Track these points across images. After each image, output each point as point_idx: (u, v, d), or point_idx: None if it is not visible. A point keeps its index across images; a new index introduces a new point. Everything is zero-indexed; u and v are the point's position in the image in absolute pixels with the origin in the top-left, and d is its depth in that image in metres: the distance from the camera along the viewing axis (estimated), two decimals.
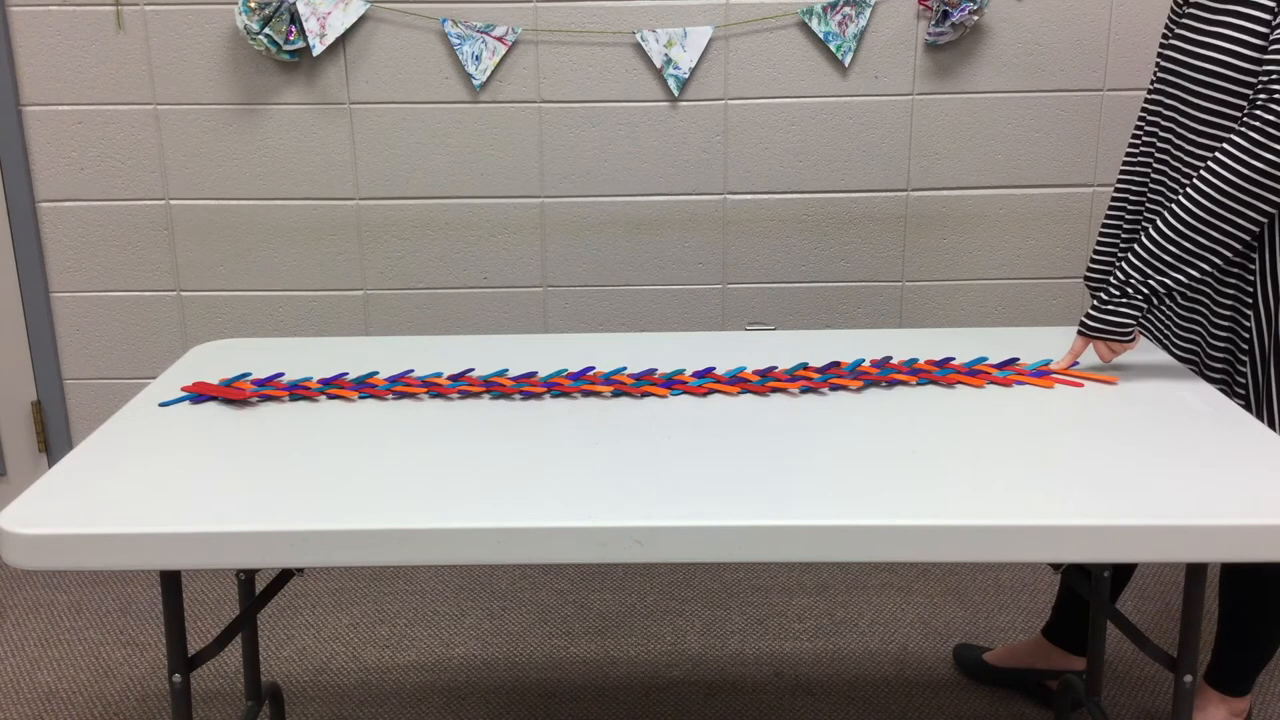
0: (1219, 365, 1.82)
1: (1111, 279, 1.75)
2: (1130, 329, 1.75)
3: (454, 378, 1.79)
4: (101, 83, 2.72)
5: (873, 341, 1.95)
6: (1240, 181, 1.63)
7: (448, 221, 2.81)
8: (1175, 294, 1.72)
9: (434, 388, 1.75)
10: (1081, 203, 2.81)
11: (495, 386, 1.74)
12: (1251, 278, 1.75)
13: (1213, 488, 1.38)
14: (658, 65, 2.68)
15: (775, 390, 1.74)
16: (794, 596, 2.66)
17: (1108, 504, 1.34)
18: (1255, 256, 1.74)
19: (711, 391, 1.74)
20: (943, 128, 2.75)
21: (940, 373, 1.78)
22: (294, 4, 2.61)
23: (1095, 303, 1.78)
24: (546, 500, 1.38)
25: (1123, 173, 1.97)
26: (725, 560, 1.33)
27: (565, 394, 1.73)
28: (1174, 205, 1.69)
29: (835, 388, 1.74)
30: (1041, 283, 2.87)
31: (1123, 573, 2.10)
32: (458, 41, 2.66)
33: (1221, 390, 1.77)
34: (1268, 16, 1.64)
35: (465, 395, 1.74)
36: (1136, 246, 1.73)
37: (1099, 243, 2.02)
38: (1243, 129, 1.63)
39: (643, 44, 2.67)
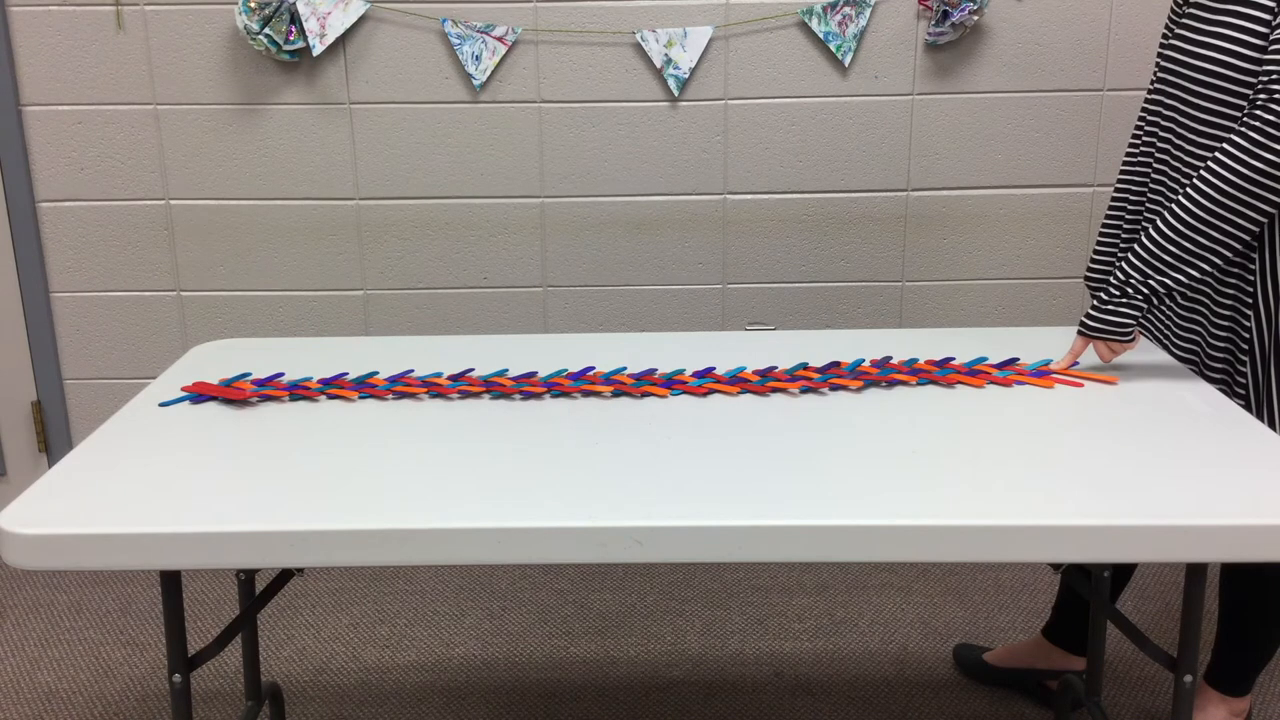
0: (1219, 365, 1.82)
1: (1111, 279, 1.75)
2: (1130, 329, 1.75)
3: (454, 378, 1.79)
4: (101, 83, 2.72)
5: (873, 341, 1.94)
6: (1240, 181, 1.63)
7: (448, 221, 2.81)
8: (1175, 294, 1.72)
9: (434, 388, 1.75)
10: (1081, 203, 2.81)
11: (495, 386, 1.74)
12: (1251, 278, 1.75)
13: (1213, 488, 1.38)
14: (658, 65, 2.68)
15: (775, 390, 1.74)
16: (794, 596, 2.66)
17: (1108, 504, 1.34)
18: (1255, 256, 1.74)
19: (711, 391, 1.74)
20: (943, 128, 2.75)
21: (940, 373, 1.78)
22: (294, 4, 2.61)
23: (1095, 303, 1.78)
24: (546, 500, 1.37)
25: (1123, 173, 1.97)
26: (725, 560, 1.33)
27: (565, 394, 1.73)
28: (1174, 205, 1.69)
29: (835, 388, 1.74)
30: (1041, 283, 2.87)
31: (1123, 573, 2.10)
32: (458, 41, 2.66)
33: (1221, 390, 1.77)
34: (1267, 17, 1.64)
35: (465, 395, 1.74)
36: (1136, 246, 1.73)
37: (1099, 243, 2.02)
38: (1242, 129, 1.63)
39: (643, 44, 2.67)
